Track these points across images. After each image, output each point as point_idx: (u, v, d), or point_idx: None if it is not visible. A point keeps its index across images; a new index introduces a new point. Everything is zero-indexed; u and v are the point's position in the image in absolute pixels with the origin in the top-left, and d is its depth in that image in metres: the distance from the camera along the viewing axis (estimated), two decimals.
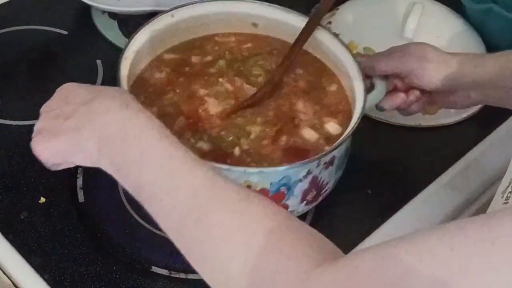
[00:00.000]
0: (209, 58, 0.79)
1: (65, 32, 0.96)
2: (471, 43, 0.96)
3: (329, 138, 0.71)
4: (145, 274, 0.69)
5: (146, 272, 0.70)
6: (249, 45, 0.81)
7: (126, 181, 0.55)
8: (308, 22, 0.77)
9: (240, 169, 0.64)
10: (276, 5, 0.80)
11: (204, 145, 0.69)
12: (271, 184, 0.65)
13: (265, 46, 0.81)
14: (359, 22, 0.96)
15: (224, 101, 0.74)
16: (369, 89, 0.74)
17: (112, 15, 0.97)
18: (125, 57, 0.70)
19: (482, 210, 0.85)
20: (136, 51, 0.72)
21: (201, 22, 0.80)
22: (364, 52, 0.90)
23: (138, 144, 0.54)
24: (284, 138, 0.71)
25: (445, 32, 0.95)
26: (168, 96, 0.73)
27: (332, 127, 0.73)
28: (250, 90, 0.75)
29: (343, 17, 0.98)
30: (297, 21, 0.79)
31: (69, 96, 0.61)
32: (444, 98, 0.77)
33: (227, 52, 0.80)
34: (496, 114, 0.93)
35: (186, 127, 0.70)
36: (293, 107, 0.74)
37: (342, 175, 0.72)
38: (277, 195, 0.66)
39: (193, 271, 0.69)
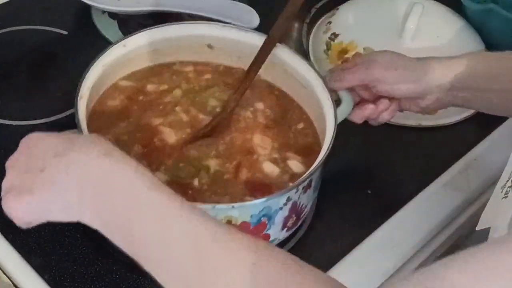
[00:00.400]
0: (165, 87, 0.77)
1: (65, 32, 0.96)
2: (471, 43, 0.96)
3: (292, 176, 0.70)
4: (145, 274, 0.69)
5: (146, 272, 0.69)
6: (207, 76, 0.79)
7: (115, 237, 0.51)
8: (265, 41, 0.74)
9: (221, 206, 0.63)
10: (231, 25, 0.79)
11: (162, 176, 0.68)
12: (251, 216, 0.64)
13: (223, 78, 0.79)
14: (359, 22, 0.96)
15: (180, 131, 0.72)
16: (336, 103, 0.72)
17: (112, 15, 0.97)
18: (80, 96, 0.68)
19: (482, 210, 0.85)
20: (91, 87, 0.70)
21: (153, 48, 0.77)
22: (364, 52, 0.90)
23: (125, 197, 0.50)
24: (244, 172, 0.70)
25: (445, 32, 0.95)
26: (123, 124, 0.72)
27: (295, 165, 0.72)
28: (205, 120, 0.74)
29: (343, 17, 0.98)
30: (254, 39, 0.77)
31: (38, 148, 0.55)
32: (414, 103, 0.76)
33: (183, 82, 0.78)
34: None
35: (142, 156, 0.69)
36: (250, 141, 0.73)
37: (342, 175, 0.72)
38: (258, 227, 0.65)
39: None
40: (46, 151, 0.54)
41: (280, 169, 0.71)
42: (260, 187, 0.69)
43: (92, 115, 0.72)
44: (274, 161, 0.72)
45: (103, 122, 0.72)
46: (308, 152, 0.73)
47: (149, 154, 0.70)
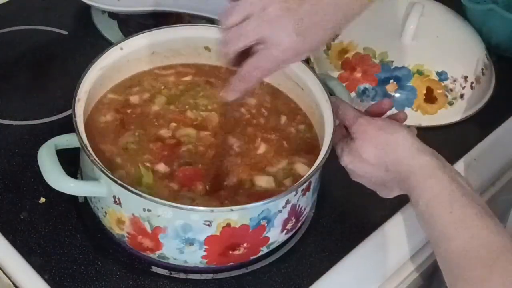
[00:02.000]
0: (147, 95, 0.76)
1: (65, 32, 0.96)
2: (471, 43, 0.96)
3: (297, 179, 0.69)
4: (145, 274, 0.69)
5: (146, 272, 0.69)
6: (187, 78, 0.79)
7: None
8: None
9: (222, 209, 0.63)
10: None
11: (174, 186, 0.67)
12: (250, 219, 0.64)
13: (206, 77, 0.79)
14: (359, 22, 0.95)
15: (186, 138, 0.72)
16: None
17: (112, 15, 0.97)
18: (78, 99, 0.67)
19: None
20: (88, 90, 0.69)
21: (151, 51, 0.77)
22: (364, 52, 0.90)
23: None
24: (245, 183, 0.69)
25: (445, 32, 0.95)
26: (128, 133, 0.71)
27: (301, 167, 0.71)
28: (209, 116, 0.74)
29: None
30: None
31: None
32: None
33: (162, 88, 0.77)
34: (496, 114, 0.93)
35: (157, 160, 0.69)
36: (256, 154, 0.72)
37: (342, 175, 0.72)
38: (257, 229, 0.65)
39: (193, 271, 0.69)
40: None
41: (276, 184, 0.69)
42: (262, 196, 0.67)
43: (91, 129, 0.71)
44: (275, 174, 0.70)
45: (106, 136, 0.71)
46: (310, 149, 0.73)
47: (164, 157, 0.69)
